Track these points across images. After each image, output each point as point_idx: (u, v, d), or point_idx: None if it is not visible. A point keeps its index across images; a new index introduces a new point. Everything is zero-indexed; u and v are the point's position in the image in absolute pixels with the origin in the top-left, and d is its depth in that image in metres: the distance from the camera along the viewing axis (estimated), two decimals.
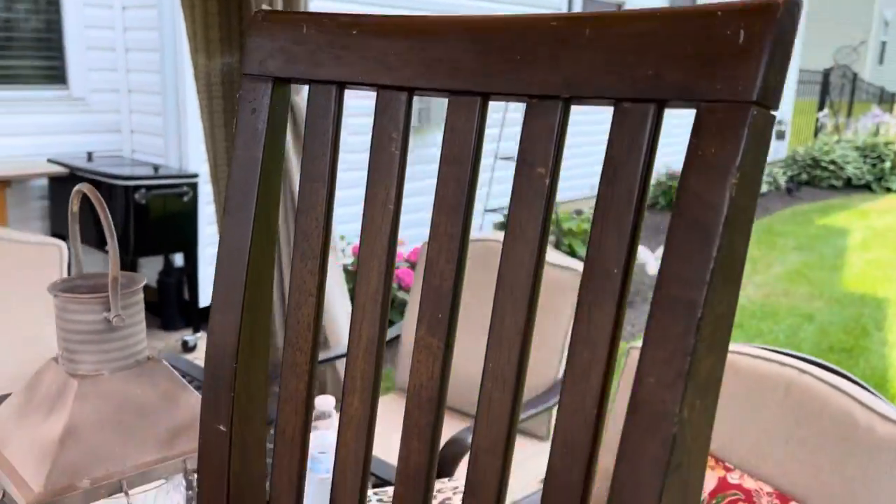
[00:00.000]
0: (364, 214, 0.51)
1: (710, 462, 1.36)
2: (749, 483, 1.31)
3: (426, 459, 0.48)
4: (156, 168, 3.39)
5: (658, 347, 0.36)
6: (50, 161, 3.47)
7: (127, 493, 0.77)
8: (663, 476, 0.35)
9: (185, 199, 3.34)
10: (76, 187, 0.82)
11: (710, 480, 1.33)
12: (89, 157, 3.54)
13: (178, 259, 3.55)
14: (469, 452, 0.46)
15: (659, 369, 0.36)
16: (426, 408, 0.48)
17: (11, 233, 2.05)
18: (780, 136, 10.10)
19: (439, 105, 4.74)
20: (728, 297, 0.36)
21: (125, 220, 3.21)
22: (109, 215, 0.82)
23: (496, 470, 0.45)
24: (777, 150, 10.13)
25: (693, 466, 0.37)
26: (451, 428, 1.71)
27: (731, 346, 1.47)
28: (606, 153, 0.41)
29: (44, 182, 3.57)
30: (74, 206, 0.85)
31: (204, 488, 0.56)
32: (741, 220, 0.36)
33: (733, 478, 1.32)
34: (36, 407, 0.82)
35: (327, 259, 0.53)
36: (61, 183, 3.42)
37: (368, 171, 0.50)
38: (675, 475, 0.36)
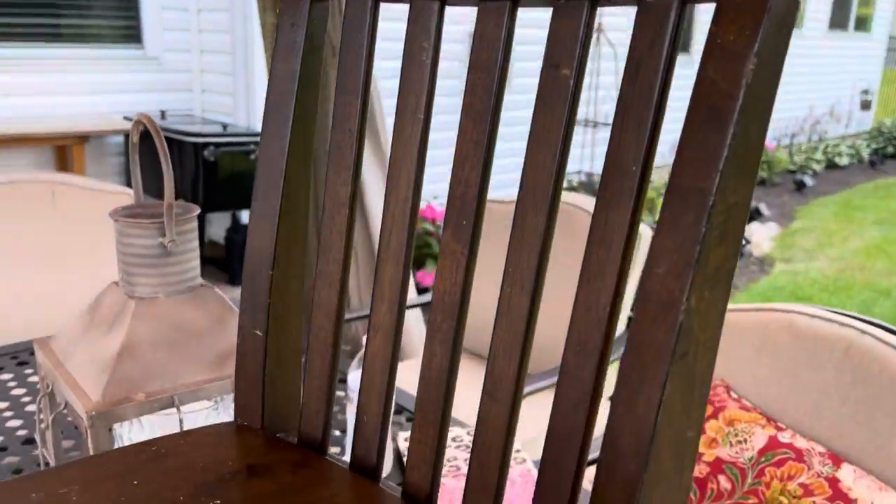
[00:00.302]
0: (395, 124, 0.52)
1: (762, 420, 1.34)
2: (801, 443, 1.28)
3: (448, 362, 0.49)
4: (224, 126, 3.47)
5: (668, 237, 0.36)
6: (126, 118, 3.60)
7: (178, 408, 0.81)
8: (668, 363, 0.36)
9: (252, 157, 3.41)
10: (135, 118, 0.86)
11: (761, 438, 1.31)
12: (162, 115, 3.65)
13: (245, 216, 3.65)
14: (488, 355, 0.47)
15: (668, 258, 0.36)
16: (448, 312, 0.49)
17: (87, 181, 2.15)
18: (867, 106, 9.63)
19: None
20: (741, 187, 0.36)
21: (195, 176, 3.32)
22: (166, 145, 0.85)
23: (513, 371, 0.45)
24: (862, 122, 9.68)
25: (700, 358, 0.37)
26: None
27: (790, 306, 1.43)
28: (629, 51, 0.41)
29: (120, 139, 3.71)
30: (134, 137, 0.88)
31: (240, 391, 0.58)
32: (758, 109, 0.35)
33: (784, 437, 1.30)
34: (97, 325, 0.87)
35: (360, 171, 0.54)
36: None
37: (400, 81, 0.51)
38: (681, 363, 0.36)
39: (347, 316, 1.97)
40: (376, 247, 2.13)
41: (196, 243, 0.90)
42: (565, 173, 0.45)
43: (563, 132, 0.44)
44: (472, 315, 2.02)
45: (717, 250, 0.35)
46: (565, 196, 2.06)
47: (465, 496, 0.47)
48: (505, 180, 3.57)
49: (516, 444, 1.22)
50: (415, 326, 2.36)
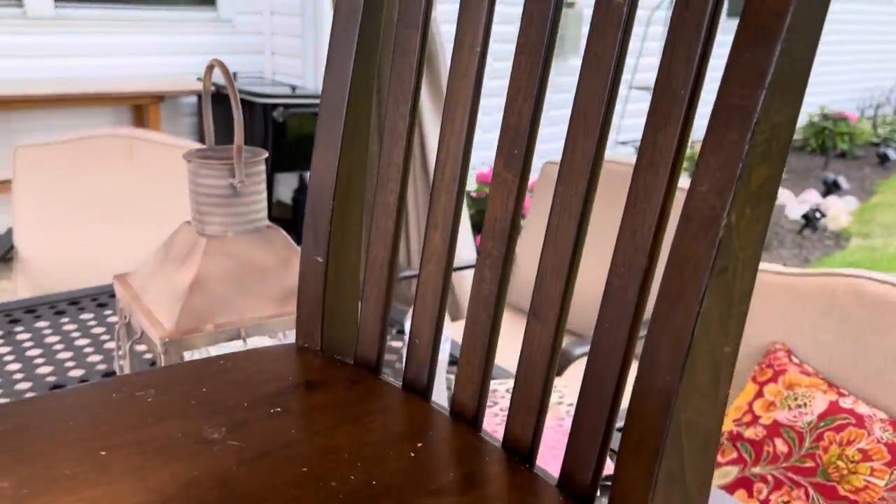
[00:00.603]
0: (452, 58, 0.53)
1: (823, 385, 1.32)
2: (863, 409, 1.26)
3: (496, 287, 0.51)
4: (293, 88, 3.54)
5: (712, 155, 0.37)
6: (198, 79, 3.70)
7: (244, 340, 0.86)
8: (707, 278, 0.37)
9: None
10: (209, 62, 0.90)
11: (821, 403, 1.29)
12: (234, 76, 3.74)
13: None
14: (535, 277, 0.48)
15: (711, 177, 0.37)
16: (499, 239, 0.51)
17: (163, 136, 2.23)
18: None
19: (575, 27, 4.63)
20: (786, 107, 0.36)
21: (264, 136, 3.40)
22: (237, 90, 0.89)
23: (558, 293, 0.47)
24: None
25: (739, 276, 0.38)
26: None
27: (858, 271, 1.40)
28: None
29: (193, 100, 3.82)
30: (207, 81, 0.92)
31: (301, 314, 0.62)
32: (807, 28, 0.35)
33: (846, 402, 1.28)
34: (171, 261, 0.92)
35: (418, 103, 0.56)
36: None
37: (458, 15, 0.53)
38: (719, 279, 0.37)
39: (406, 274, 2.01)
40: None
41: (263, 186, 0.94)
42: (617, 96, 0.46)
43: (615, 58, 0.44)
44: (524, 277, 2.02)
45: (759, 168, 0.36)
46: (628, 158, 2.04)
47: (509, 413, 0.50)
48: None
49: (569, 398, 1.24)
50: None
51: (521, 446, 0.49)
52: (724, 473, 1.28)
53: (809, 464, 1.22)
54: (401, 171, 0.57)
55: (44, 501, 0.41)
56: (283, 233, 0.96)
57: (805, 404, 1.30)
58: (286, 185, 3.89)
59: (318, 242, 0.60)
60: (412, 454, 0.47)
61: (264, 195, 0.95)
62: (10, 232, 2.15)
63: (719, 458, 1.30)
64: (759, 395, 1.35)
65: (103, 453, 0.45)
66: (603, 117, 0.45)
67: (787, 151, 0.37)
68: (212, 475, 0.44)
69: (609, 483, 0.43)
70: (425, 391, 0.56)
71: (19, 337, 1.34)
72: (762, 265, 1.52)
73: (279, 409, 0.51)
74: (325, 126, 0.59)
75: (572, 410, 1.19)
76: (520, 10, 0.51)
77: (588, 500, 0.44)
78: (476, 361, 0.52)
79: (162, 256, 0.94)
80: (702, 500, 0.40)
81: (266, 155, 0.94)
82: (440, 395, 1.07)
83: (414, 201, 2.09)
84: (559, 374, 1.52)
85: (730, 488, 1.25)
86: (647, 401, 0.39)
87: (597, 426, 0.44)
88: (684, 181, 1.79)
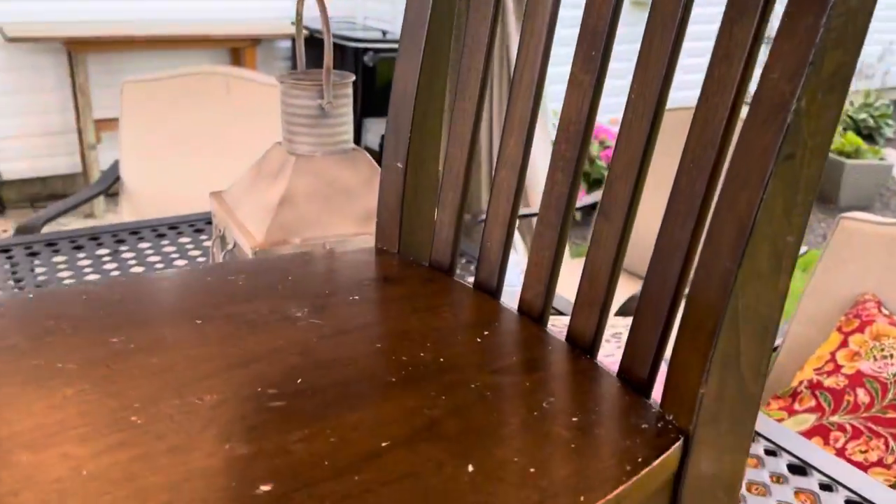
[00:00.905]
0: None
1: None
2: None
3: (567, 189, 0.53)
4: (384, 33, 3.56)
5: (785, 42, 0.37)
6: (293, 24, 3.77)
7: None
8: (773, 163, 0.37)
9: None
10: None
11: None
12: None
13: None
14: (605, 180, 0.49)
15: (783, 62, 0.37)
16: (572, 141, 0.52)
17: (258, 75, 2.30)
18: None
19: None
20: None
21: (353, 80, 3.44)
22: (328, 15, 0.92)
23: (628, 192, 0.48)
24: None
25: (807, 163, 0.38)
26: (628, 289, 1.74)
27: None
28: None
29: (287, 44, 3.90)
30: (300, 4, 0.96)
31: (381, 218, 0.65)
32: None
33: None
34: (262, 178, 0.97)
35: (499, 13, 0.57)
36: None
37: None
38: (786, 165, 0.37)
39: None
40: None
41: (349, 109, 0.97)
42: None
43: None
44: None
45: (833, 52, 0.36)
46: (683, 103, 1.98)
47: (574, 309, 0.51)
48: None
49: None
50: None
51: (584, 340, 0.51)
52: (801, 421, 1.26)
53: (891, 415, 1.19)
54: (480, 78, 0.59)
55: (146, 355, 0.45)
56: (368, 155, 0.99)
57: (892, 355, 1.26)
58: (374, 132, 3.94)
59: (398, 149, 0.63)
60: (478, 340, 0.50)
61: (350, 118, 0.98)
62: (116, 165, 2.28)
63: (796, 406, 1.29)
64: (844, 344, 1.32)
65: (198, 322, 0.50)
66: (681, 15, 0.45)
67: (863, 40, 0.37)
68: (294, 345, 0.48)
69: None
70: (495, 292, 0.58)
71: (124, 255, 1.44)
72: (856, 214, 1.46)
73: (357, 298, 0.55)
74: (409, 34, 0.61)
75: None
76: None
77: (646, 390, 0.46)
78: (544, 262, 0.54)
79: (254, 174, 1.00)
80: (756, 388, 0.41)
81: (353, 78, 0.97)
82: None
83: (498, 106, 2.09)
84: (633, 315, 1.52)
85: (805, 435, 1.24)
86: (706, 284, 0.40)
87: (657, 319, 0.45)
88: None
